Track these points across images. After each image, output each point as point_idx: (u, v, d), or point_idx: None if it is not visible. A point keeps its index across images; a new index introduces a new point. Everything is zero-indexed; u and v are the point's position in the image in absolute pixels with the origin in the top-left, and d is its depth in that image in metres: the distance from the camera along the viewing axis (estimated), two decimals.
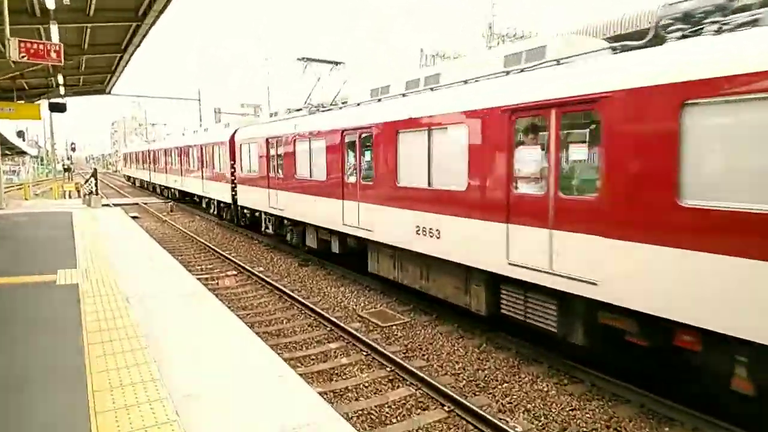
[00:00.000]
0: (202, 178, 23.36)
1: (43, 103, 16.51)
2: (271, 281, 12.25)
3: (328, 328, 9.05)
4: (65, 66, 13.47)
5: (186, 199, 32.46)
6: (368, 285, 11.82)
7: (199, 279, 12.07)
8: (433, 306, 9.85)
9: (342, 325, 8.90)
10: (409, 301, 10.43)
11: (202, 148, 22.79)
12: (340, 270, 13.34)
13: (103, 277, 7.74)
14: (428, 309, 9.87)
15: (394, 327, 8.98)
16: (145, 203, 32.93)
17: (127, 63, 13.85)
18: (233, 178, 18.99)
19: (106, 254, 9.85)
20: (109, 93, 18.23)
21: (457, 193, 7.85)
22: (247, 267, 13.97)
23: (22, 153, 34.29)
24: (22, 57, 8.35)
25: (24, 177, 62.73)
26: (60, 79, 13.26)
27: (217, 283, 12.49)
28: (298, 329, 9.21)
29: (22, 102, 15.85)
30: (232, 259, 15.10)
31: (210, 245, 17.35)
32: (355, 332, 8.49)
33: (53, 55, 8.76)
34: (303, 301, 10.48)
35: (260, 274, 13.06)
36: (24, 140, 44.51)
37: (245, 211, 18.66)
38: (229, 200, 19.81)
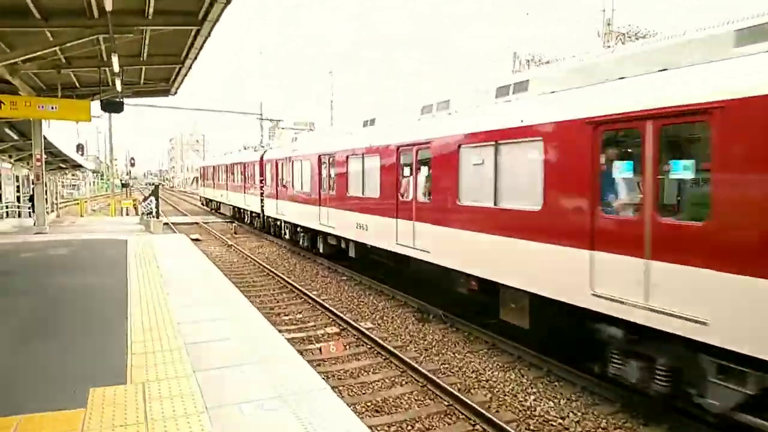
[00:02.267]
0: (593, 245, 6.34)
1: (96, 106, 13.54)
2: (394, 351, 8.41)
3: None
4: (122, 50, 10.20)
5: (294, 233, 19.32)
6: (551, 367, 7.78)
7: (291, 339, 8.44)
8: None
9: None
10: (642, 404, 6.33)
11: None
12: (481, 332, 9.39)
13: (178, 423, 3.68)
14: None
15: None
16: (206, 222, 30.20)
17: (201, 48, 10.50)
18: None
19: (179, 337, 5.67)
20: (174, 94, 15.05)
21: None
22: (349, 320, 10.24)
23: (79, 167, 32.28)
24: None
25: (83, 192, 62.45)
26: (115, 65, 9.91)
27: (320, 351, 8.73)
28: None
29: (70, 99, 12.86)
30: (325, 304, 11.42)
31: (291, 282, 13.79)
32: None
33: None
34: (469, 402, 6.53)
35: (371, 335, 9.27)
36: (83, 154, 43.06)
37: None
38: None
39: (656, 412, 6.26)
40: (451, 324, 10.14)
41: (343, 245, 14.47)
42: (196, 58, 11.19)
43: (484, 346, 8.98)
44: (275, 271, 15.43)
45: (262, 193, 22.93)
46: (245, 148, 30.76)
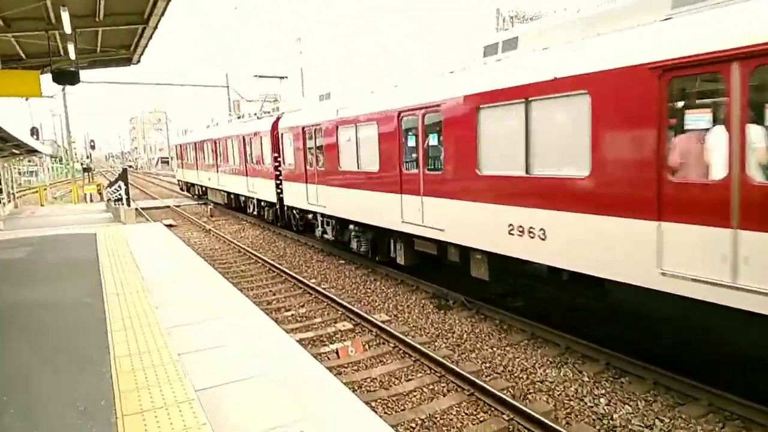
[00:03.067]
0: None
1: (47, 79, 11.60)
2: (423, 349, 7.26)
3: None
4: (73, 7, 8.48)
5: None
6: (608, 359, 6.74)
7: (301, 340, 7.19)
8: None
9: None
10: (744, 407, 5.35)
11: None
12: (514, 318, 8.30)
13: None
14: None
15: None
16: (178, 206, 28.37)
17: (164, 8, 8.82)
18: None
19: (185, 380, 4.09)
20: (137, 63, 13.13)
21: None
22: (360, 312, 9.03)
23: (35, 152, 29.65)
24: None
25: (42, 178, 59.07)
26: (66, 24, 8.10)
27: (337, 354, 7.51)
28: None
29: (15, 70, 10.92)
30: (328, 294, 10.18)
31: (285, 270, 12.46)
32: None
33: None
34: (533, 413, 5.43)
35: (391, 330, 8.11)
36: (38, 138, 40.13)
37: None
38: None
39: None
40: (476, 311, 9.03)
41: (452, 256, 9.02)
42: (162, 14, 9.39)
43: (523, 336, 7.90)
44: (264, 258, 14.06)
45: (278, 176, 16.52)
46: (240, 117, 23.67)
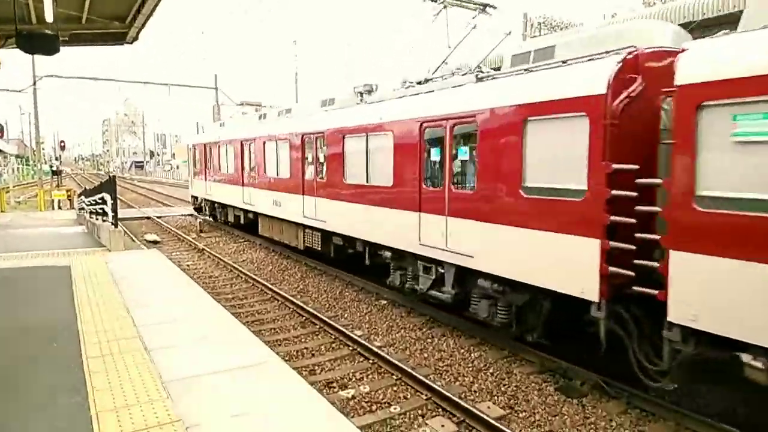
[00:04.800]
0: None
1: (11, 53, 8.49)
2: None
3: None
4: None
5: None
6: None
7: None
8: None
9: None
10: None
11: None
12: (689, 417, 5.64)
13: None
14: None
15: None
16: (160, 217, 25.05)
17: None
18: None
19: None
20: (132, 43, 9.99)
21: None
22: (459, 401, 6.23)
23: None
24: None
25: (6, 180, 54.56)
26: None
27: None
28: None
29: None
30: (398, 364, 7.34)
31: (316, 314, 9.60)
32: None
33: None
34: None
35: None
36: (2, 136, 36.23)
37: None
38: None
39: None
40: (627, 400, 6.29)
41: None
42: None
43: None
44: (282, 293, 11.15)
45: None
46: (369, 91, 11.64)
